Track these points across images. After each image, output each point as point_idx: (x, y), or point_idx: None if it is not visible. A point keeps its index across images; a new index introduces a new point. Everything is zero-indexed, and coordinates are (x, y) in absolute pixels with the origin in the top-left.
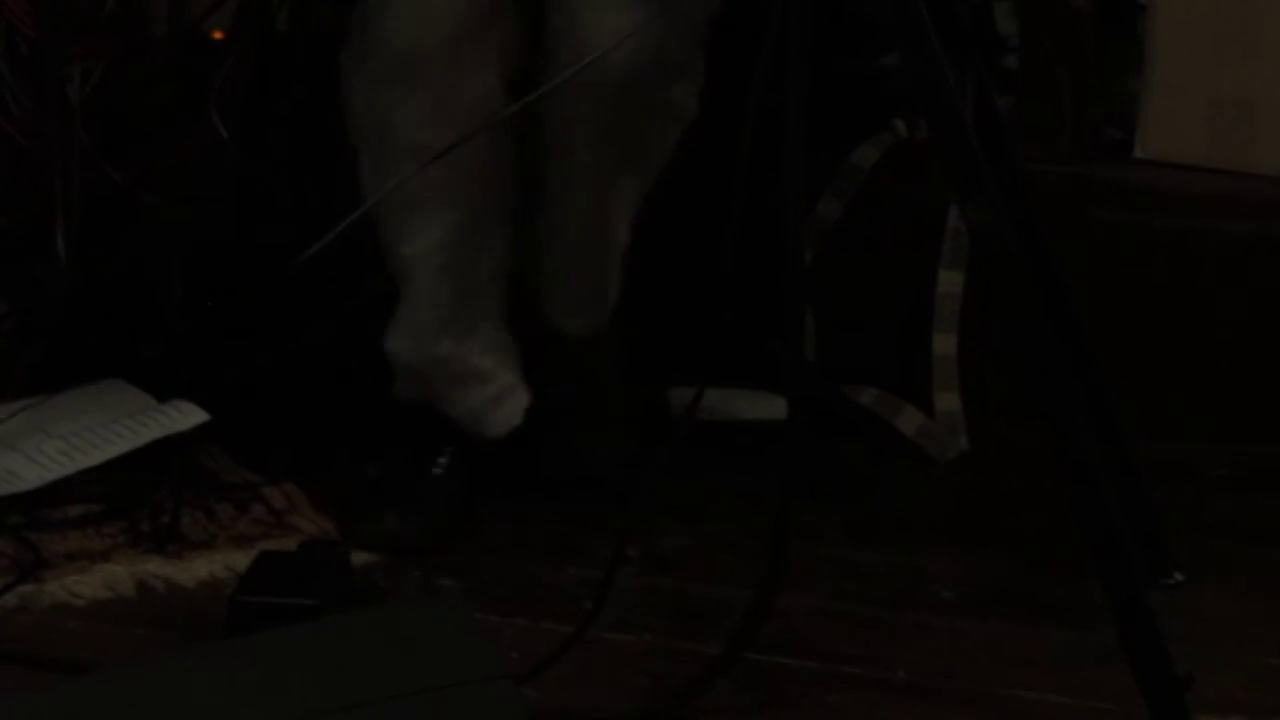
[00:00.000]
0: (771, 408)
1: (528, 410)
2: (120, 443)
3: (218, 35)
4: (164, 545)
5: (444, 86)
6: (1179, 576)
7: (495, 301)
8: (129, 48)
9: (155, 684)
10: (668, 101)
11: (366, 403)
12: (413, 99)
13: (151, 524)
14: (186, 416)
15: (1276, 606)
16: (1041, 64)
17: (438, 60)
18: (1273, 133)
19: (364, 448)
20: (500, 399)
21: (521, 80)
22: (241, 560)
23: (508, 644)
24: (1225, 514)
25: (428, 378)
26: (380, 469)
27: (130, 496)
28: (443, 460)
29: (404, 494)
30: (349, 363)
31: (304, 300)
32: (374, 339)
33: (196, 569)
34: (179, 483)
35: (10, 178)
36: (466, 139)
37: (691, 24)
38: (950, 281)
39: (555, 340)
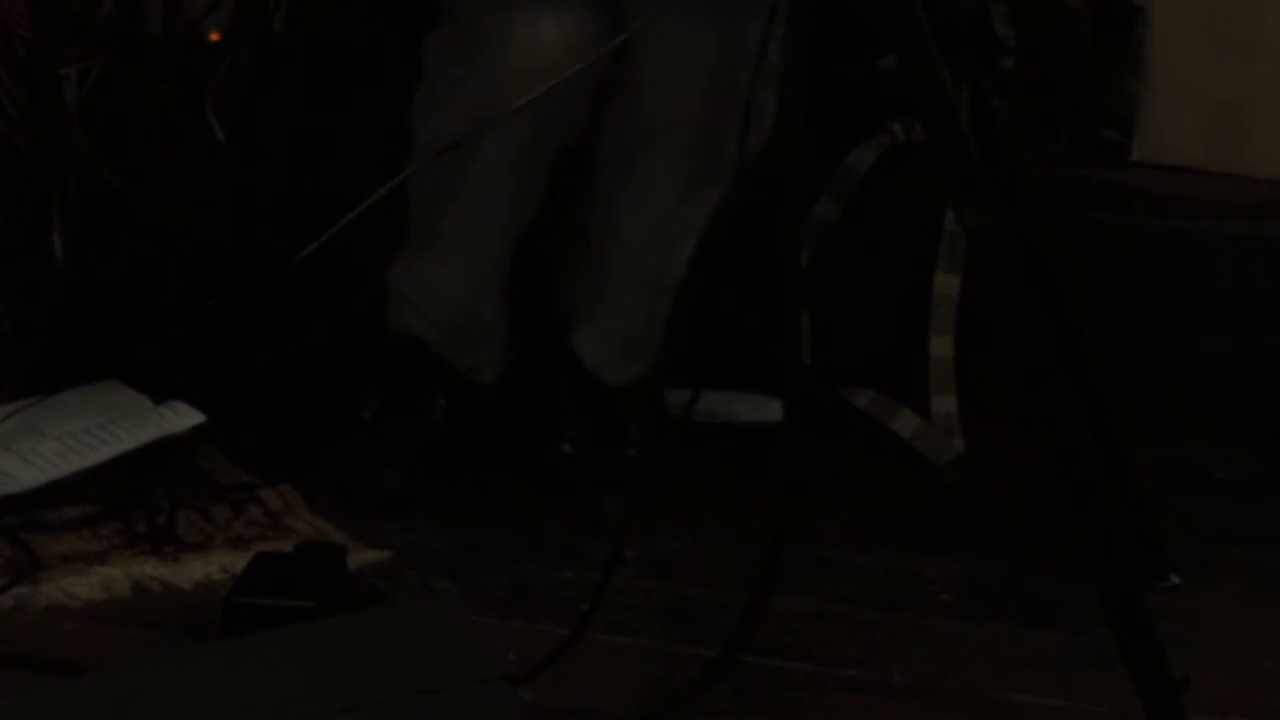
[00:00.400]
0: (768, 410)
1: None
2: (116, 444)
3: (214, 36)
4: (160, 547)
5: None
6: (1175, 579)
7: (508, 266)
8: (125, 49)
9: (151, 686)
10: (749, 104)
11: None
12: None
13: (147, 525)
14: (182, 418)
15: (1273, 609)
16: (1038, 66)
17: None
18: (1269, 135)
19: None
20: (501, 357)
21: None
22: (238, 562)
23: (504, 646)
24: (1221, 516)
25: (442, 330)
26: (376, 414)
27: (126, 498)
28: (440, 404)
29: (403, 444)
30: (346, 364)
31: (301, 302)
32: (370, 340)
33: (192, 570)
34: (175, 484)
35: (7, 179)
36: (526, 103)
37: (760, 22)
38: (947, 284)
39: (584, 388)
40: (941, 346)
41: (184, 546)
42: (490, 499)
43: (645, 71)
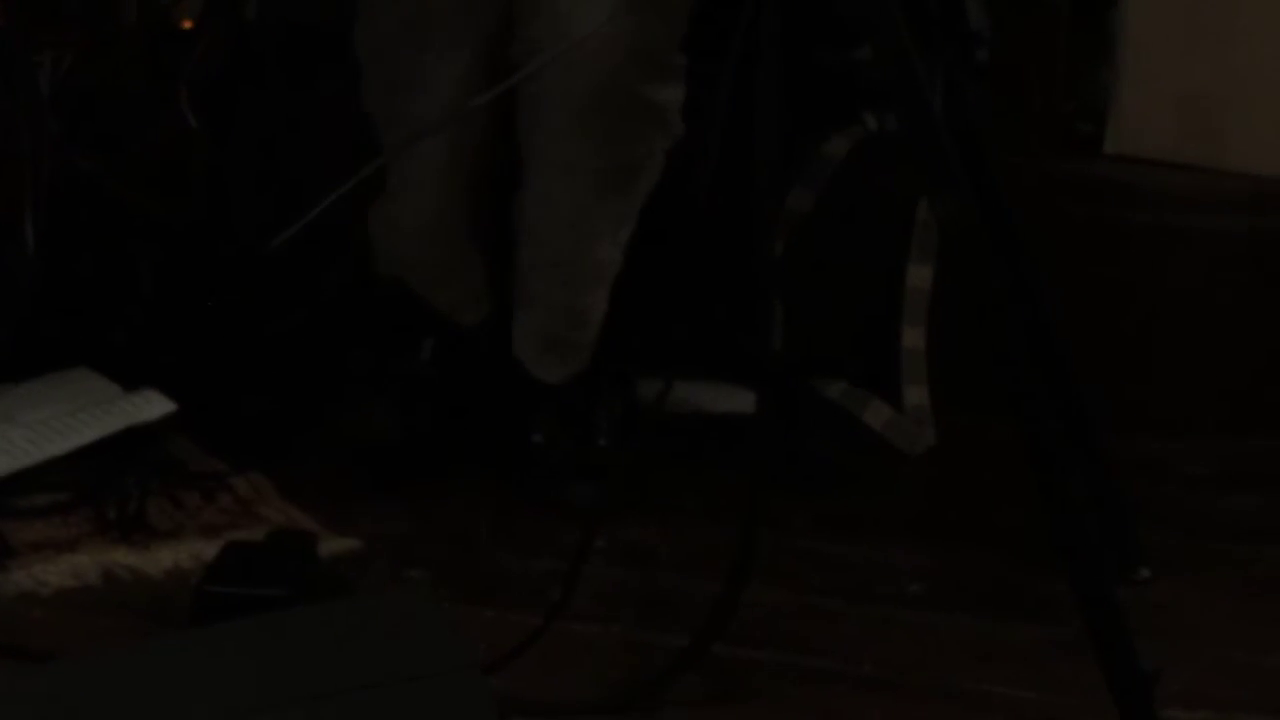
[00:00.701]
0: (740, 400)
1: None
2: (87, 431)
3: (187, 24)
4: (130, 534)
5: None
6: (1146, 572)
7: (467, 204)
8: (99, 36)
9: (121, 673)
10: (650, 106)
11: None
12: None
13: (118, 513)
14: (153, 406)
15: (1244, 602)
16: (1013, 58)
17: (408, 40)
18: (1243, 129)
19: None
20: (479, 295)
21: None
22: (208, 550)
23: (476, 635)
24: (1194, 509)
25: (413, 268)
26: (364, 361)
27: (97, 485)
28: (428, 344)
29: (393, 384)
30: (317, 352)
31: (273, 289)
32: (343, 329)
33: (163, 558)
34: (146, 472)
35: None
36: (440, 126)
37: (671, 20)
38: (920, 276)
39: (532, 388)
40: (914, 337)
41: (154, 534)
42: (462, 488)
43: (531, 52)
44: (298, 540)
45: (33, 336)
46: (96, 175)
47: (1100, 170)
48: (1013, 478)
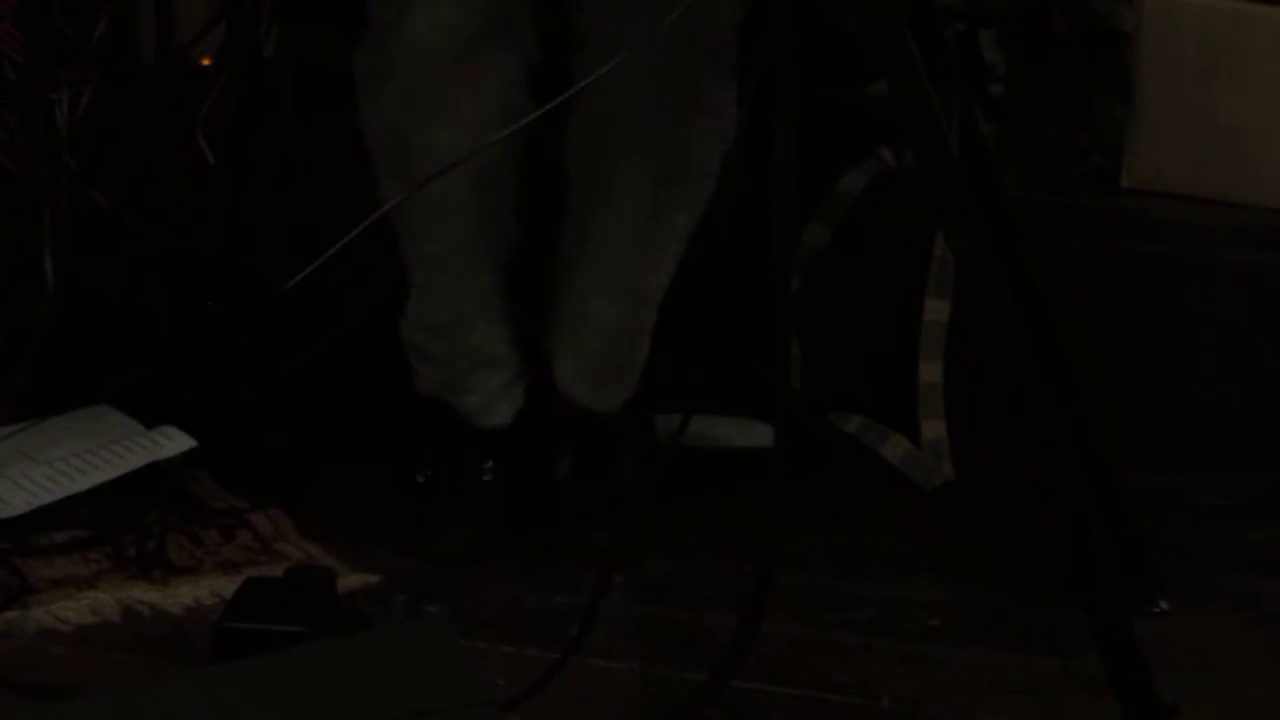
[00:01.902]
0: (758, 435)
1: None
2: (107, 468)
3: (205, 62)
4: (150, 571)
5: (466, 93)
6: (1164, 605)
7: (505, 288)
8: (117, 73)
9: (141, 710)
10: (710, 100)
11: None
12: (437, 110)
13: (137, 550)
14: (173, 442)
15: (1262, 636)
16: (1027, 92)
17: (458, 68)
18: (1259, 162)
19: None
20: (511, 385)
21: (549, 79)
22: (228, 586)
23: (493, 670)
24: (1211, 542)
25: (445, 366)
26: (429, 476)
27: (116, 522)
28: (489, 465)
29: (466, 504)
30: (339, 386)
31: (291, 324)
32: (362, 362)
33: (182, 595)
34: (165, 509)
35: None
36: (489, 145)
37: (725, 18)
38: (936, 310)
39: (567, 415)
40: (931, 372)
41: (174, 571)
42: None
43: (595, 66)
44: (317, 576)
45: (53, 374)
46: (115, 212)
47: (1116, 204)
48: (1029, 511)
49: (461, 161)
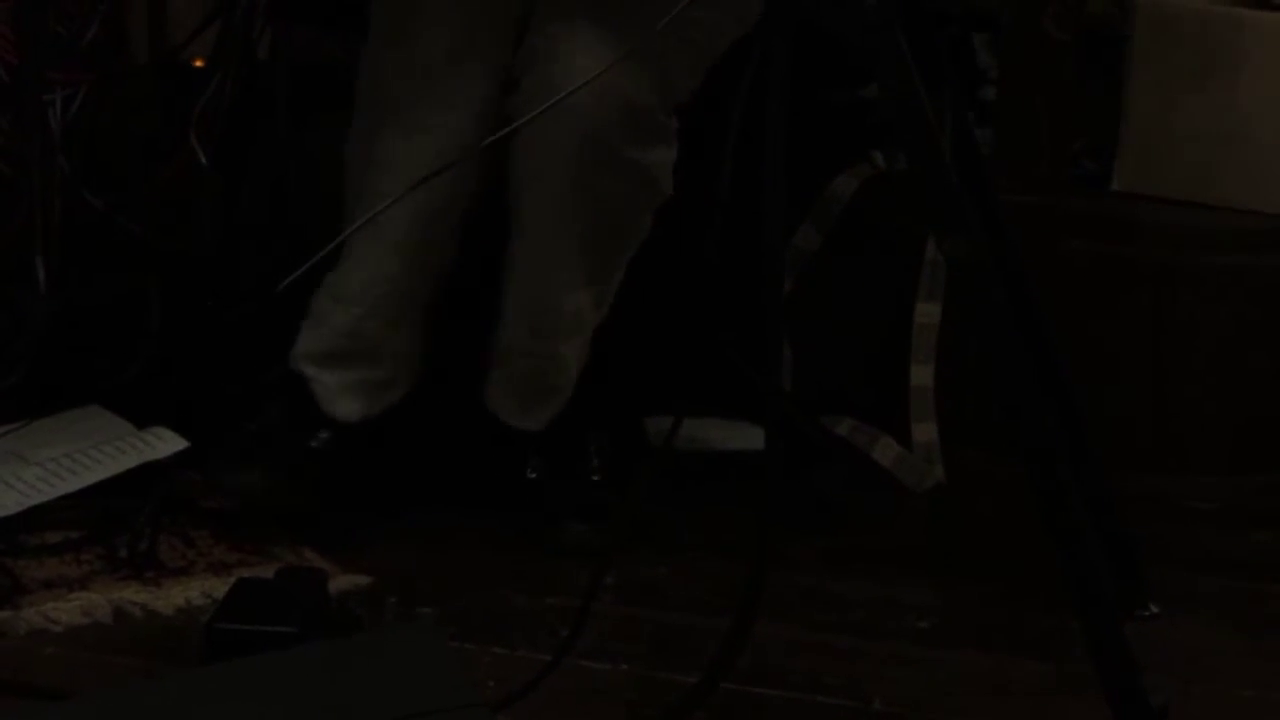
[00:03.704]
0: (749, 438)
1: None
2: (99, 469)
3: (198, 63)
4: (142, 572)
5: (426, 118)
6: (1154, 608)
7: (430, 304)
8: (110, 74)
9: (132, 711)
10: (637, 166)
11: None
12: (394, 134)
13: (129, 550)
14: (165, 443)
15: (1253, 638)
16: (1020, 96)
17: (422, 95)
18: (1250, 167)
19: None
20: (378, 388)
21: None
22: (219, 587)
23: (484, 672)
24: (1200, 546)
25: (329, 338)
26: (259, 427)
27: (108, 523)
28: (322, 434)
29: (278, 454)
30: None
31: (282, 326)
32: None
33: (174, 596)
34: (157, 509)
35: None
36: (441, 171)
37: (667, 84)
38: (928, 313)
39: (494, 431)
40: (922, 375)
41: (165, 572)
42: (471, 526)
43: (527, 103)
44: (308, 577)
45: (45, 374)
46: (107, 213)
47: (1108, 207)
48: (1020, 514)
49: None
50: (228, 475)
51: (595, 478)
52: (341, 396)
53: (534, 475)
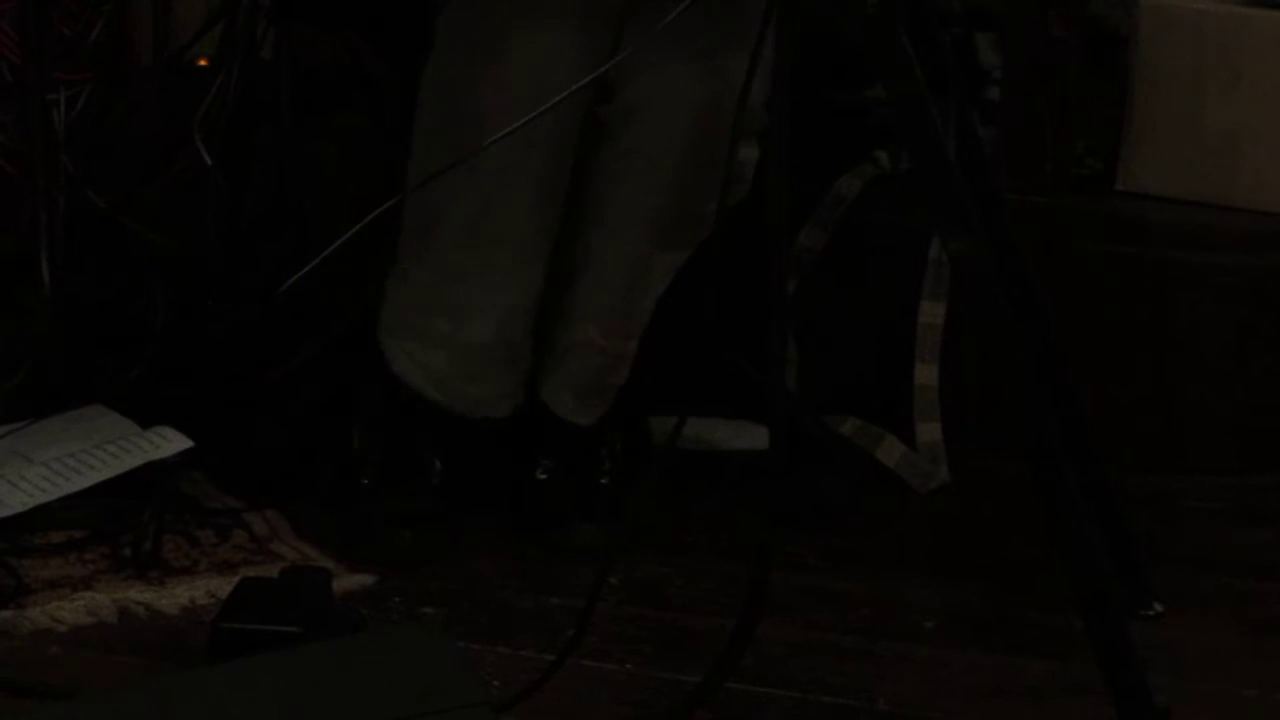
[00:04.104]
0: (753, 437)
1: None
2: (103, 469)
3: (202, 62)
4: (146, 571)
5: (528, 67)
6: (1159, 608)
7: (538, 287)
8: (114, 74)
9: (136, 711)
10: (738, 164)
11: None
12: (497, 77)
13: (133, 550)
14: (169, 443)
15: (1254, 638)
16: (1023, 96)
17: (521, 45)
18: (1254, 166)
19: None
20: (519, 387)
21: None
22: (223, 587)
23: (488, 672)
24: (1203, 545)
25: (453, 361)
26: (375, 483)
27: (112, 522)
28: (436, 467)
29: (402, 513)
30: (333, 389)
31: (288, 326)
32: (358, 365)
33: (178, 595)
34: (161, 509)
35: None
36: (542, 111)
37: (764, 78)
38: (932, 313)
39: (550, 427)
40: (926, 374)
41: (170, 571)
42: (476, 525)
43: (626, 112)
44: (312, 577)
45: (49, 374)
46: (111, 213)
47: (1111, 207)
48: (1024, 513)
49: (514, 129)
50: (380, 544)
51: (604, 480)
52: (493, 403)
53: (543, 476)
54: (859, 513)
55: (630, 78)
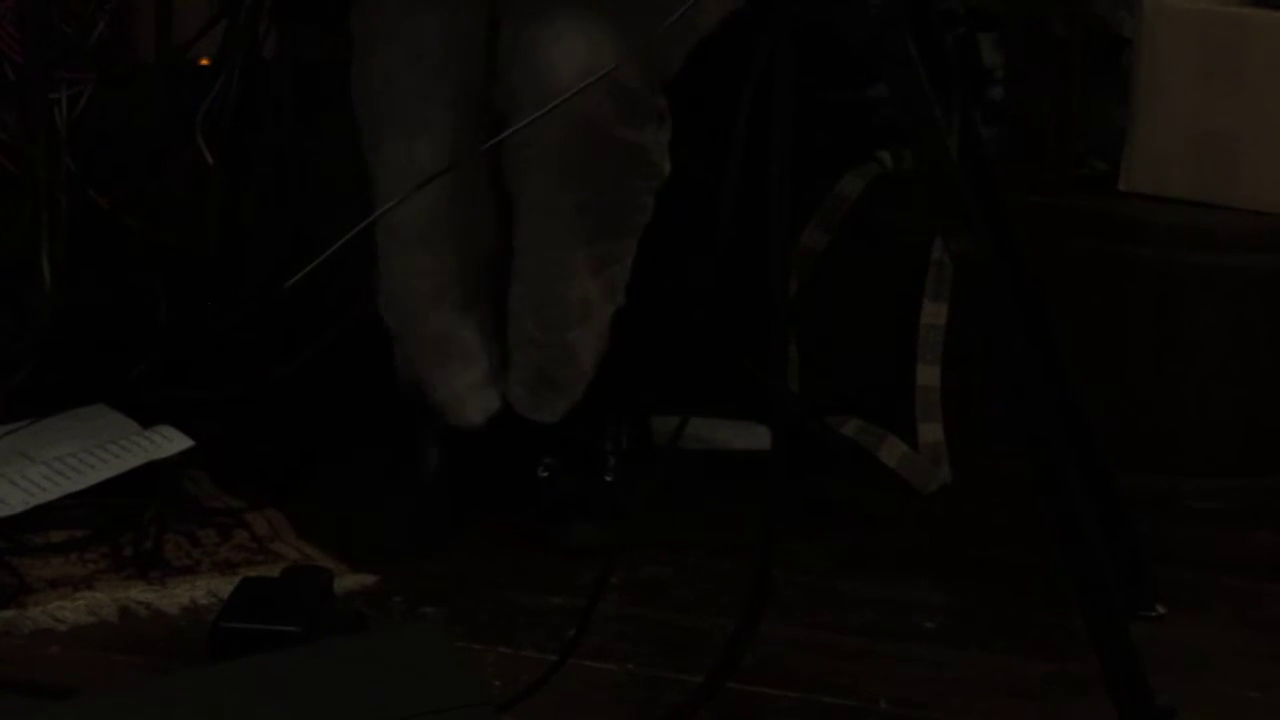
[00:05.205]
0: (755, 437)
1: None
2: (104, 468)
3: (204, 62)
4: (147, 571)
5: (420, 118)
6: (1160, 609)
7: (484, 287)
8: (116, 73)
9: (137, 710)
10: (632, 147)
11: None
12: (394, 139)
13: (134, 550)
14: (170, 442)
15: (1256, 639)
16: (1026, 96)
17: (406, 89)
18: (1257, 167)
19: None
20: (482, 385)
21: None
22: (224, 586)
23: (489, 672)
24: (1206, 546)
25: (413, 353)
26: (375, 468)
27: (114, 522)
28: (434, 455)
29: (400, 499)
30: (334, 387)
31: (289, 325)
32: (358, 364)
33: (179, 595)
34: (162, 509)
35: None
36: (439, 175)
37: (651, 62)
38: (934, 313)
39: (525, 426)
40: (929, 375)
41: (170, 571)
42: (477, 525)
43: (509, 99)
44: (313, 576)
45: (50, 373)
46: (113, 212)
47: (1114, 207)
48: (1026, 514)
49: (439, 175)
50: (369, 532)
51: (608, 478)
52: (469, 399)
53: (545, 474)
54: (860, 513)
55: (515, 57)
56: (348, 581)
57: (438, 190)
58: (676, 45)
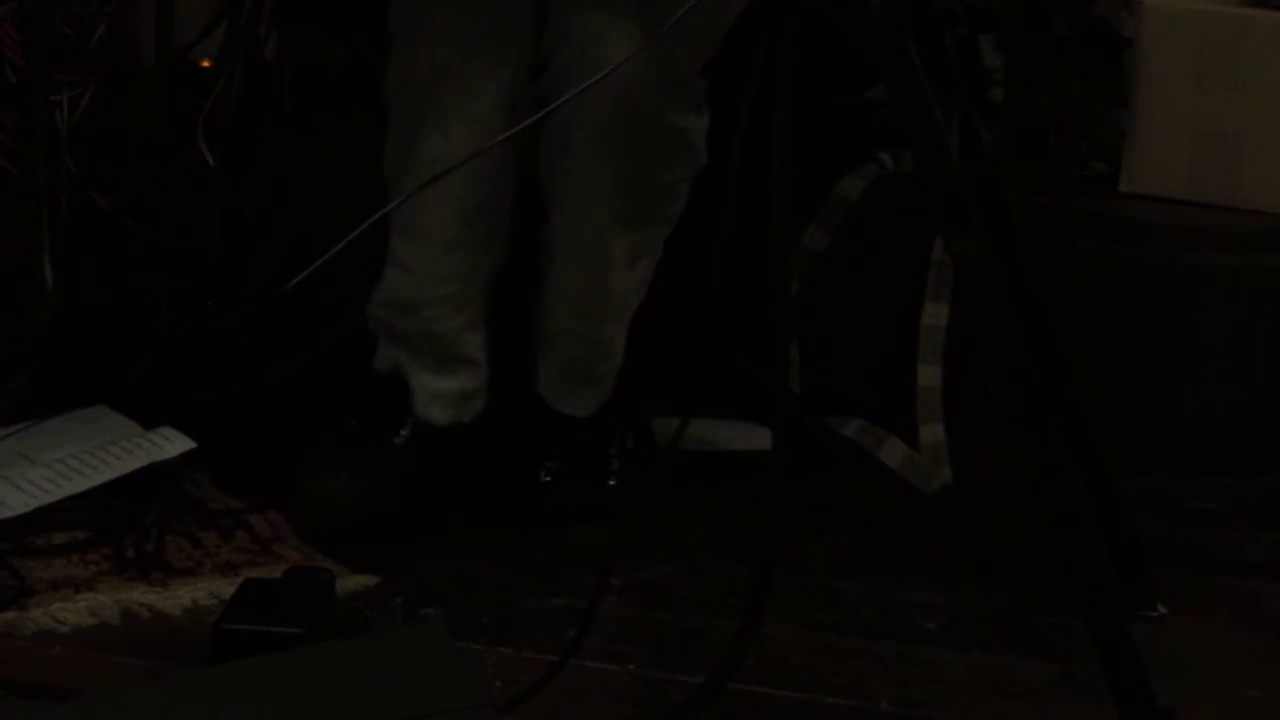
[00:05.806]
0: (756, 438)
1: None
2: (106, 470)
3: (205, 64)
4: (149, 572)
5: (458, 112)
6: (1161, 609)
7: (490, 302)
8: (117, 75)
9: (139, 712)
10: (674, 132)
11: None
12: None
13: (136, 551)
14: (172, 444)
15: (1258, 639)
16: (1027, 97)
17: (452, 83)
18: (1257, 167)
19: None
20: (471, 395)
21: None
22: (226, 588)
23: (491, 673)
24: (1206, 546)
25: (405, 345)
26: (339, 435)
27: (115, 523)
28: (404, 432)
29: (362, 459)
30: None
31: (290, 327)
32: (357, 366)
33: (181, 596)
34: (164, 510)
35: None
36: (476, 155)
37: (696, 45)
38: (935, 314)
39: (551, 422)
40: (929, 376)
41: (172, 572)
42: (479, 526)
43: (556, 85)
44: (315, 578)
45: (52, 374)
46: (114, 214)
47: (1114, 208)
48: (1027, 514)
49: (462, 163)
50: (314, 483)
51: (611, 481)
52: (437, 400)
53: (547, 478)
54: (861, 514)
55: (560, 46)
56: (350, 583)
57: (470, 196)
58: (715, 28)
